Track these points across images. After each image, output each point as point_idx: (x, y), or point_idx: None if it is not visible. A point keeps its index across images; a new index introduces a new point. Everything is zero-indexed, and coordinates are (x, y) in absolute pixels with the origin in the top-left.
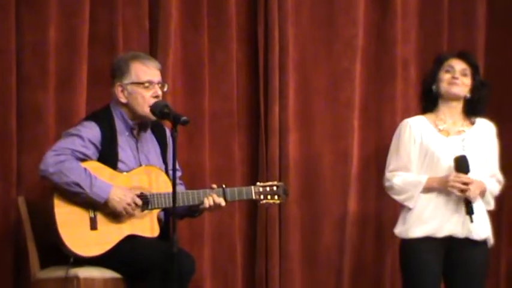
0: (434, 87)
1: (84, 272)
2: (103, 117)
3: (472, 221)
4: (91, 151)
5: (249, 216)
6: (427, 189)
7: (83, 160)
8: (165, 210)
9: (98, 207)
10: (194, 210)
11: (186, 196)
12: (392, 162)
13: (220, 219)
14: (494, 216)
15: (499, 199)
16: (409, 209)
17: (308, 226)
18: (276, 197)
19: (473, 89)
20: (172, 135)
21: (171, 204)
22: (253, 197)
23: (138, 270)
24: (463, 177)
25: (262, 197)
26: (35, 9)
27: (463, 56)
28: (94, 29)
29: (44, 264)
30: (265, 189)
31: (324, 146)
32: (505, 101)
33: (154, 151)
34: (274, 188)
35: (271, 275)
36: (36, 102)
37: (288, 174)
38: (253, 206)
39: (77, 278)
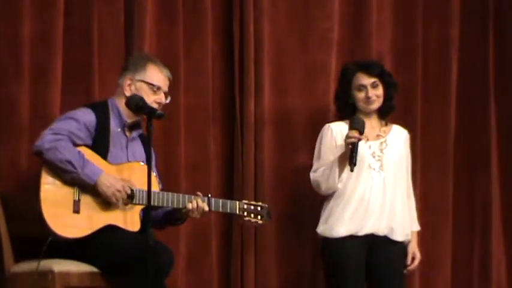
0: (350, 100)
1: (59, 266)
2: (99, 108)
3: (352, 170)
4: (84, 134)
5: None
6: (341, 163)
7: (76, 145)
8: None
9: (86, 190)
10: (177, 218)
11: (171, 198)
12: (314, 164)
13: None
14: (467, 211)
15: (471, 195)
16: (332, 208)
17: (284, 221)
18: (258, 217)
19: (386, 94)
20: (147, 129)
21: (156, 203)
22: (237, 212)
23: (116, 261)
24: (349, 132)
25: (245, 213)
26: (8, 2)
27: (367, 69)
28: (69, 23)
29: (18, 258)
30: (250, 207)
31: (300, 139)
32: (478, 93)
33: (141, 154)
34: (259, 208)
35: (246, 270)
36: (10, 96)
37: (264, 169)
38: None
39: (51, 271)
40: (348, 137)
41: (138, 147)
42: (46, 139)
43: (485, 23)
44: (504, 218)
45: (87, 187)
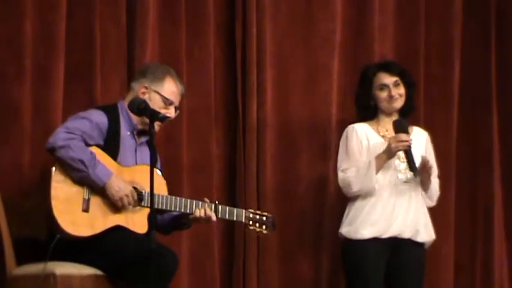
0: (371, 102)
1: (61, 269)
2: (110, 111)
3: (416, 176)
4: (97, 134)
5: None
6: (379, 165)
7: (88, 145)
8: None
9: (95, 191)
10: (183, 223)
11: (179, 202)
12: (343, 163)
13: None
14: (470, 213)
15: (473, 196)
16: (357, 209)
17: (286, 222)
18: (263, 226)
19: (407, 94)
20: (149, 131)
21: (164, 206)
22: (243, 220)
23: (120, 263)
24: (401, 135)
25: (251, 222)
26: (10, 3)
27: (388, 68)
28: (71, 24)
29: (20, 261)
30: (255, 217)
31: (302, 142)
32: (481, 95)
33: (149, 159)
34: (264, 218)
35: (249, 271)
36: (11, 97)
37: (266, 170)
38: (230, 201)
39: (53, 274)
40: (400, 140)
41: (146, 152)
42: (59, 136)
43: (488, 24)
44: (506, 220)
45: (96, 188)
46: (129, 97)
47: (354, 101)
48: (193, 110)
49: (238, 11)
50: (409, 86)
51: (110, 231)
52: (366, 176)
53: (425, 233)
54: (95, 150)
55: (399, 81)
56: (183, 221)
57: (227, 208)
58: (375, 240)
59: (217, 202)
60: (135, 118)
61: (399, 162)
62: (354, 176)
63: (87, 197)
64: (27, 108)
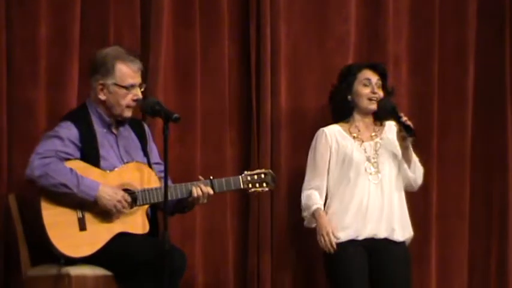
0: (349, 97)
1: (76, 270)
2: (79, 116)
3: (413, 136)
4: (72, 149)
5: (241, 211)
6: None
7: (67, 159)
8: (153, 205)
9: (88, 207)
10: (184, 206)
11: (174, 190)
12: (308, 172)
13: (212, 214)
14: (485, 213)
15: (488, 197)
16: (331, 214)
17: (300, 221)
18: (264, 184)
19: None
20: (164, 132)
21: (159, 199)
22: (242, 186)
23: (129, 267)
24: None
25: (250, 185)
26: (25, 5)
27: (375, 67)
28: (85, 26)
29: (35, 261)
30: (253, 178)
31: None
32: (495, 96)
33: (135, 145)
34: (262, 175)
35: (263, 270)
36: (26, 99)
37: (280, 171)
38: (244, 201)
39: (68, 275)
40: (328, 243)
41: (129, 138)
42: (35, 165)
43: (502, 25)
44: None
45: (88, 203)
46: (93, 95)
47: (329, 98)
48: (207, 112)
49: (252, 12)
50: (386, 91)
51: (113, 241)
52: (306, 214)
53: (401, 231)
54: (76, 163)
55: (380, 83)
56: (183, 204)
57: (223, 180)
58: (352, 242)
59: (212, 177)
60: (105, 113)
61: (369, 164)
62: (303, 203)
63: (80, 216)
64: (42, 109)
